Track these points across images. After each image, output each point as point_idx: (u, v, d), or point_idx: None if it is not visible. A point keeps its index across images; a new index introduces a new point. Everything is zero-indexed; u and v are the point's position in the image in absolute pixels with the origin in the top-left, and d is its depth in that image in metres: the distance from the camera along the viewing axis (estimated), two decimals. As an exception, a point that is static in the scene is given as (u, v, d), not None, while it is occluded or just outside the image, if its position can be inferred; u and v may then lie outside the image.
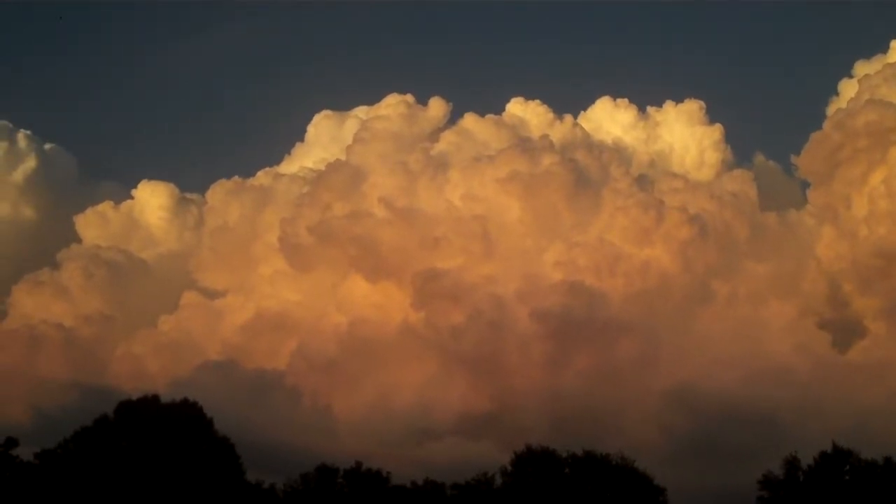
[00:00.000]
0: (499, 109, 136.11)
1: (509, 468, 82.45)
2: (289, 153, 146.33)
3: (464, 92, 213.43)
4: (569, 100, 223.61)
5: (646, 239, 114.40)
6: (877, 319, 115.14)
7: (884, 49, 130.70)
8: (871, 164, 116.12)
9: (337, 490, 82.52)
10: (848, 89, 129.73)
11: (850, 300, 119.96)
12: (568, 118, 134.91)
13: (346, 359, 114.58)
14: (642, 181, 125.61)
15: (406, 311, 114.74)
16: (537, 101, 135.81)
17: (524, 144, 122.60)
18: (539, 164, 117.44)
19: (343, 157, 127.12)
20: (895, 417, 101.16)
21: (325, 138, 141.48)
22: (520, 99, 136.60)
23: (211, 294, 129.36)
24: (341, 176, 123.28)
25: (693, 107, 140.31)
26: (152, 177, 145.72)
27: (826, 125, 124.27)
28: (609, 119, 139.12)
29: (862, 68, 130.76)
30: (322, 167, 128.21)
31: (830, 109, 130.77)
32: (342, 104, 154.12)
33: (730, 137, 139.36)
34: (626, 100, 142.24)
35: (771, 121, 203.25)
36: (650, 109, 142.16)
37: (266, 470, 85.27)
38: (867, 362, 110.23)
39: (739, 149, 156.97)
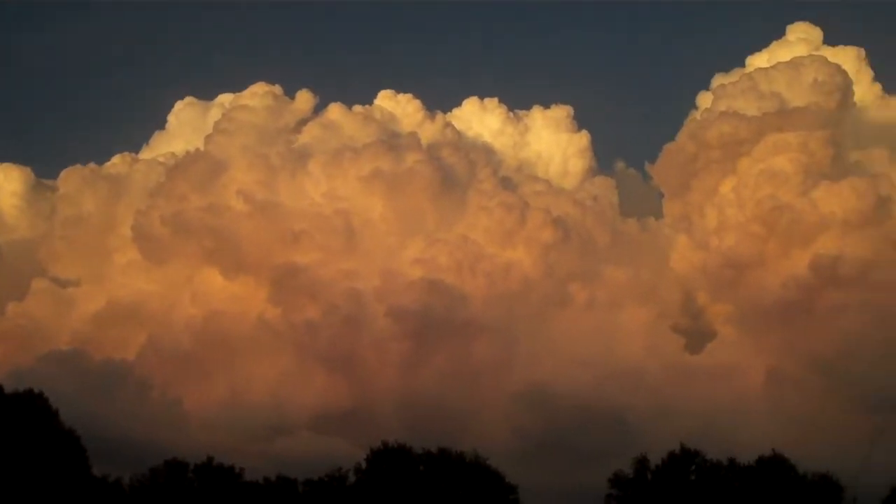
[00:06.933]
0: (368, 101, 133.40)
1: (364, 465, 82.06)
2: (147, 142, 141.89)
3: (334, 84, 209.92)
4: (440, 96, 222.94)
5: (508, 240, 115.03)
6: (726, 324, 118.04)
7: (741, 63, 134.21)
8: (723, 175, 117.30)
9: (187, 485, 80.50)
10: (705, 101, 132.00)
11: (703, 307, 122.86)
12: (439, 116, 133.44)
13: (199, 352, 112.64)
14: (507, 183, 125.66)
15: (263, 305, 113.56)
16: (409, 95, 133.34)
17: (391, 141, 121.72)
18: (404, 161, 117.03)
19: (202, 147, 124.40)
20: (741, 418, 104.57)
21: (188, 127, 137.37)
22: (389, 92, 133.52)
23: (62, 283, 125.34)
24: (199, 167, 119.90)
25: (560, 113, 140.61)
26: (7, 159, 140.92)
27: (679, 136, 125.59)
28: (478, 120, 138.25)
29: (719, 81, 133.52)
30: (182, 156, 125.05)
31: (689, 121, 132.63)
32: (208, 92, 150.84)
33: (594, 143, 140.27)
34: (495, 100, 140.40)
35: (634, 129, 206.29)
36: (519, 112, 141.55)
37: (113, 464, 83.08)
38: (716, 365, 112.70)
39: (603, 155, 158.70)
